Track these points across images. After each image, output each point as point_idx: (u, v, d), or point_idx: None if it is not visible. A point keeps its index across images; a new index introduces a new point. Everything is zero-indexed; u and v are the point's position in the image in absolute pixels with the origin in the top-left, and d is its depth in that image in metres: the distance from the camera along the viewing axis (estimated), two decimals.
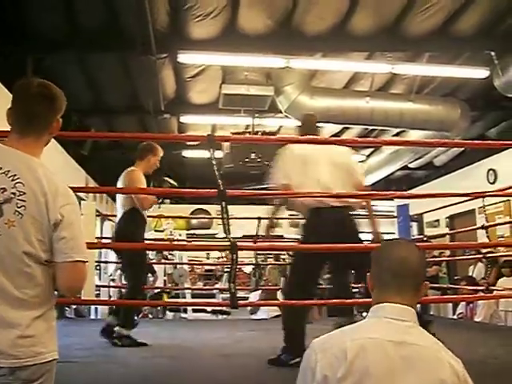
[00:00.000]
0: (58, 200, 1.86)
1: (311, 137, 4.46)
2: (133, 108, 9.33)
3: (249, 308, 8.08)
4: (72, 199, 1.93)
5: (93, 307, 9.10)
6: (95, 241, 7.76)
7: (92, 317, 8.90)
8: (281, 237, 9.62)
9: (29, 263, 1.82)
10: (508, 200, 9.57)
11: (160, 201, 10.43)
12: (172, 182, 11.34)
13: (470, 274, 9.41)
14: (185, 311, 10.15)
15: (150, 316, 10.11)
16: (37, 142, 1.97)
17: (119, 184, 5.13)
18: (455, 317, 9.05)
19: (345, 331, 1.73)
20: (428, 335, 1.72)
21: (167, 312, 10.39)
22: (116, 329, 4.67)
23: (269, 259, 12.32)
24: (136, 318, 9.22)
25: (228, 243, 3.71)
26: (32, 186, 1.84)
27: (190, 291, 10.65)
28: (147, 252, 10.64)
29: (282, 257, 10.87)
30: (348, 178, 4.15)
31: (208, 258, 13.52)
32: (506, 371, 3.35)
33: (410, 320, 1.71)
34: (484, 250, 7.91)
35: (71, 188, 1.97)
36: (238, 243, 3.81)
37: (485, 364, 3.47)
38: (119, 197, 5.23)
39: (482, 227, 6.37)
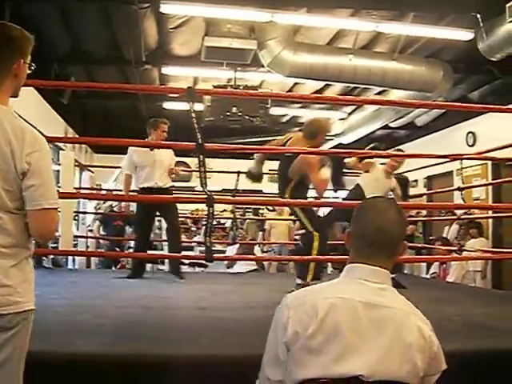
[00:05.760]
0: (24, 148, 1.84)
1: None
2: (114, 58, 9.18)
3: (225, 261, 8.15)
4: (40, 146, 1.89)
5: (70, 257, 9.11)
6: (74, 191, 7.76)
7: (70, 267, 8.92)
8: (260, 192, 9.63)
9: None
10: (485, 163, 9.67)
11: None
12: None
13: (445, 234, 9.55)
14: (162, 263, 10.19)
15: (128, 267, 10.15)
16: None
17: None
18: (428, 276, 9.21)
19: (318, 289, 1.77)
20: (399, 297, 1.76)
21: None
22: None
23: (247, 214, 12.41)
24: (114, 268, 9.33)
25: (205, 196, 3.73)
26: None
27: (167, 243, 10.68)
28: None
29: (261, 211, 10.94)
30: None
31: (192, 213, 13.52)
32: (467, 328, 3.44)
33: (383, 282, 1.74)
34: (459, 212, 8.01)
35: (49, 138, 1.95)
36: (216, 197, 3.84)
37: (450, 321, 3.55)
38: None
39: (458, 189, 6.44)
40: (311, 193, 5.55)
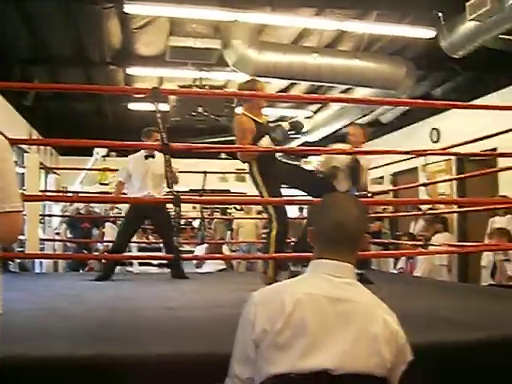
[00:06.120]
0: None
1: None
2: (78, 59, 9.09)
3: (194, 261, 8.13)
4: (1, 148, 1.86)
5: (37, 261, 9.00)
6: (39, 194, 7.68)
7: (37, 270, 8.81)
8: (227, 191, 9.66)
9: None
10: (449, 159, 9.82)
11: (105, 154, 10.34)
12: None
13: (411, 230, 9.68)
14: (130, 265, 10.14)
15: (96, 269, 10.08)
16: None
17: None
18: (396, 271, 9.32)
19: (283, 285, 1.79)
20: (365, 291, 1.79)
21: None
22: None
23: (215, 214, 12.39)
24: (82, 270, 9.25)
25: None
26: None
27: (136, 245, 10.64)
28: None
29: (229, 211, 10.95)
30: None
31: None
32: (433, 321, 3.50)
33: (347, 276, 1.77)
34: (424, 207, 8.13)
35: (12, 140, 1.93)
36: (182, 197, 3.84)
37: (416, 315, 3.61)
38: None
39: (423, 184, 6.53)
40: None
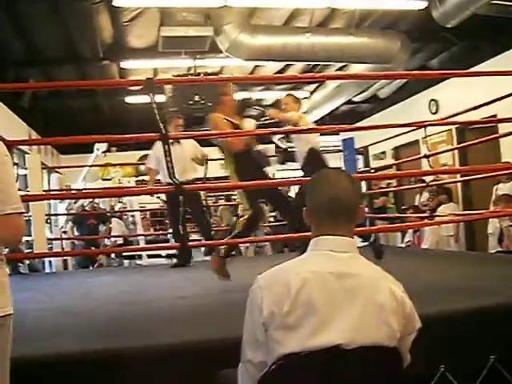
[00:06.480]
0: None
1: None
2: (71, 56, 9.08)
3: (202, 249, 8.14)
4: None
5: (47, 261, 9.03)
6: (43, 193, 7.68)
7: (47, 270, 8.85)
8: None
9: None
10: (450, 129, 9.79)
11: (106, 149, 10.35)
12: None
13: (416, 203, 9.68)
14: (139, 258, 10.18)
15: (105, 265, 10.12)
16: None
17: None
18: (403, 245, 9.34)
19: (287, 266, 1.79)
20: (368, 263, 1.80)
21: (123, 260, 10.40)
22: None
23: (220, 201, 12.41)
24: (91, 267, 9.28)
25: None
26: None
27: (143, 238, 10.68)
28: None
29: (234, 197, 10.94)
30: None
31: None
32: (433, 290, 3.52)
33: (350, 250, 1.78)
34: (428, 179, 8.11)
35: (12, 142, 1.94)
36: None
37: (424, 286, 3.62)
38: None
39: (425, 156, 6.52)
40: None
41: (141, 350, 2.58)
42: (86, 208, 10.38)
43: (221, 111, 4.87)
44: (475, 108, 5.84)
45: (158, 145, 6.13)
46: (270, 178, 5.52)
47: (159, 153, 6.08)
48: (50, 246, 8.84)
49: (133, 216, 11.45)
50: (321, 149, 5.72)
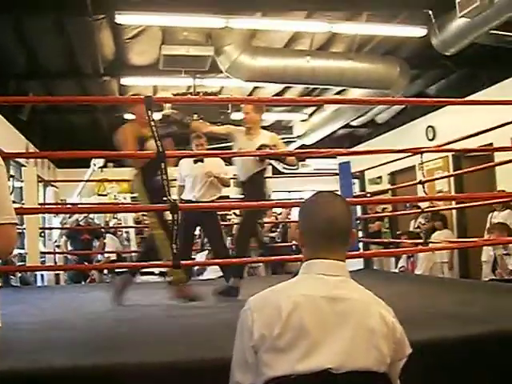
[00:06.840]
0: None
1: None
2: (72, 71, 9.13)
3: (195, 268, 8.13)
4: None
5: (39, 275, 8.99)
6: (38, 206, 7.67)
7: (39, 284, 8.80)
8: (226, 197, 9.63)
9: None
10: (446, 156, 9.84)
11: (102, 165, 10.35)
12: None
13: (411, 228, 9.69)
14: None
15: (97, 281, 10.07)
16: None
17: None
18: (397, 270, 9.32)
19: (279, 289, 1.78)
20: (360, 288, 1.80)
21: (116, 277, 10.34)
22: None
23: None
24: (83, 282, 9.23)
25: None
26: None
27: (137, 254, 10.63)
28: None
29: (228, 217, 10.93)
30: None
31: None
32: (440, 317, 3.51)
33: (341, 274, 1.78)
34: (423, 205, 8.13)
35: (9, 154, 1.93)
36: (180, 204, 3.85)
37: (417, 312, 3.62)
38: None
39: (420, 182, 6.54)
40: None
41: (132, 366, 2.57)
42: (81, 223, 10.36)
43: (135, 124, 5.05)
44: (472, 136, 5.87)
45: (182, 163, 6.14)
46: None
47: (181, 170, 6.18)
48: (42, 259, 8.81)
49: (127, 232, 11.42)
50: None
